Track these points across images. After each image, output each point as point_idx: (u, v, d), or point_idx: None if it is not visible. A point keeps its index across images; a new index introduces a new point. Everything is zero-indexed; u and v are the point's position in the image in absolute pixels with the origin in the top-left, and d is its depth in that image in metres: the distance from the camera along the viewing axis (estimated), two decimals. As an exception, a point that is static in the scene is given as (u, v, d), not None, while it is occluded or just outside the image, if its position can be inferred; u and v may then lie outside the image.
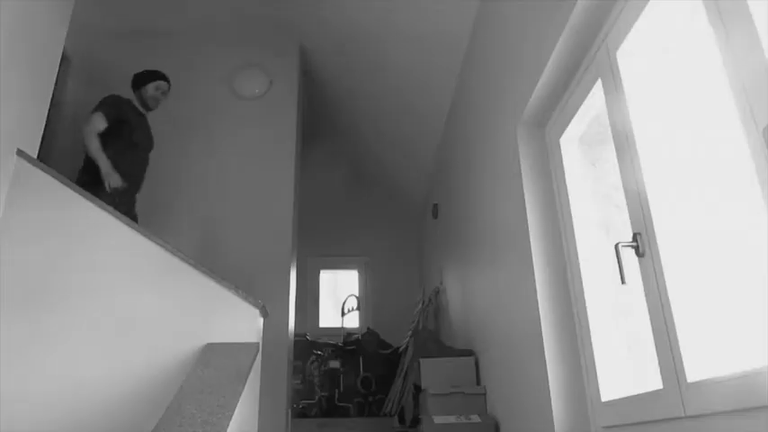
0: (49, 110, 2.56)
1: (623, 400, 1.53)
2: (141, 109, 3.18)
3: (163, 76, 3.23)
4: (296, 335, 3.84)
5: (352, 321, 5.78)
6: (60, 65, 2.67)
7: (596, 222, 1.81)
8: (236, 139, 3.77)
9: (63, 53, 2.70)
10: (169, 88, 3.27)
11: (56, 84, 2.63)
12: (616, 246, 1.43)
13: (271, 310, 2.42)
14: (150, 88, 3.16)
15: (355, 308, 5.83)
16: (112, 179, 2.79)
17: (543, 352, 1.82)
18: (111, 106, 3.00)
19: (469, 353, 3.08)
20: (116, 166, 2.84)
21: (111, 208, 2.31)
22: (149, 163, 3.19)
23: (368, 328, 5.58)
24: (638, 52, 1.48)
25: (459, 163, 3.62)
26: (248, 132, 3.78)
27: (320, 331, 5.63)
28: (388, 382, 4.27)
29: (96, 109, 2.97)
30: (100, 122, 2.91)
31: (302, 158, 4.08)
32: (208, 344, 2.12)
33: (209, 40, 4.02)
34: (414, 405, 3.30)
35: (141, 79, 3.18)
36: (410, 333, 4.19)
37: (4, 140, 2.21)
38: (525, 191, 2.03)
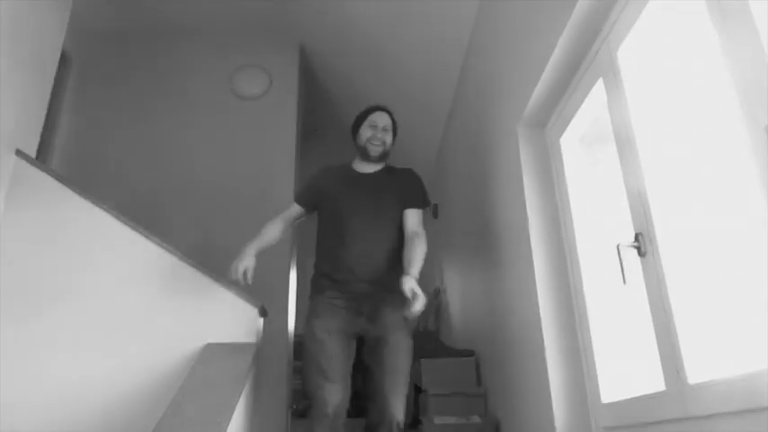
0: (49, 110, 2.56)
1: (624, 401, 1.53)
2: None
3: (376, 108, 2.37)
4: (296, 335, 3.83)
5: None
6: (60, 65, 2.67)
7: (597, 222, 1.80)
8: (236, 139, 3.77)
9: (63, 53, 2.70)
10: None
11: (55, 84, 2.63)
12: (617, 246, 1.42)
13: (270, 310, 2.41)
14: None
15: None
16: None
17: (544, 352, 1.81)
18: None
19: (470, 353, 3.08)
20: None
21: (110, 208, 2.30)
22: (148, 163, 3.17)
23: (368, 329, 5.55)
24: (640, 51, 1.47)
25: (459, 163, 3.61)
26: (248, 132, 3.78)
27: (320, 331, 5.60)
28: (388, 383, 4.27)
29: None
30: None
31: (302, 158, 4.07)
32: (207, 344, 2.12)
33: (209, 40, 4.01)
34: (414, 405, 3.29)
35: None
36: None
37: (3, 140, 2.21)
38: (526, 191, 2.03)
